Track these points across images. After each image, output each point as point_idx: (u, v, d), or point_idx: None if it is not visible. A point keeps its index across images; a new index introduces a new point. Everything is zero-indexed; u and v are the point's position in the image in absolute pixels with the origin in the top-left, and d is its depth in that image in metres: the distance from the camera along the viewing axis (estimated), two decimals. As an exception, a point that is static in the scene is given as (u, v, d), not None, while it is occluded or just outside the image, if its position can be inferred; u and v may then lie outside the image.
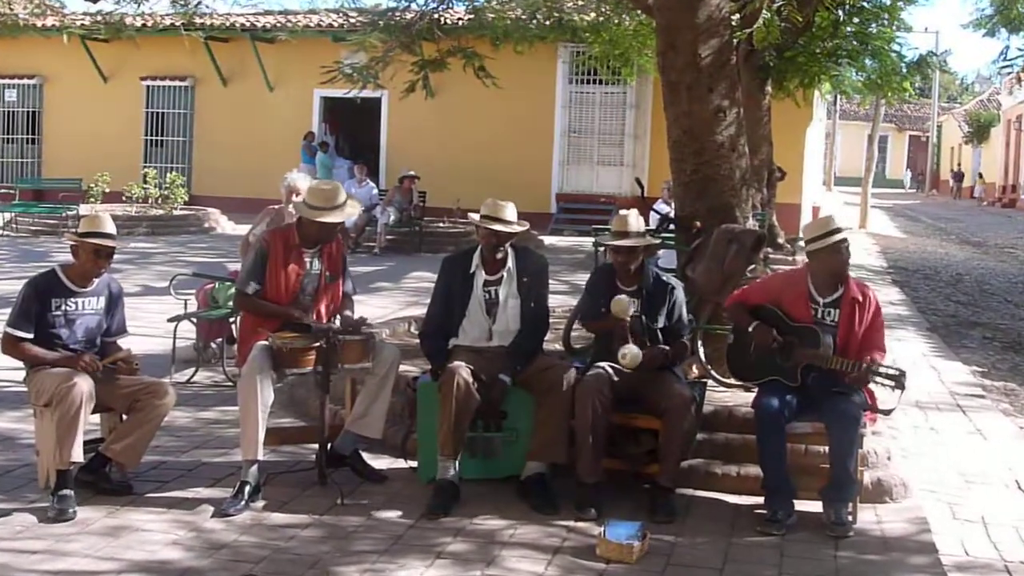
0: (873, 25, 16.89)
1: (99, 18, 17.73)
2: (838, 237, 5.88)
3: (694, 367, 7.33)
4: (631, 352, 5.90)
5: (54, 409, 5.53)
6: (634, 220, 6.28)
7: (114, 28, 17.28)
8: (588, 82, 24.09)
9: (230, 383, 8.25)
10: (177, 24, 20.08)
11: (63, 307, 5.86)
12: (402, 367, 6.94)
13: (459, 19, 18.77)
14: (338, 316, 6.37)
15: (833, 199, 39.12)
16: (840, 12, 16.12)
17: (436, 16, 13.86)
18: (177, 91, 27.02)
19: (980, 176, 58.32)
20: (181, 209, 22.51)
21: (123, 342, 6.18)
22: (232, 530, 5.41)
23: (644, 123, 23.83)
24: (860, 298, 5.88)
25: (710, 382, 7.13)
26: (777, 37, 14.15)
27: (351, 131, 27.30)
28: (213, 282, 9.14)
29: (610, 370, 5.98)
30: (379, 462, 6.48)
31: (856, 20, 16.82)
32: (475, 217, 6.30)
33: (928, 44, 53.13)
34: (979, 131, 58.69)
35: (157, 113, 27.17)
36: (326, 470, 6.08)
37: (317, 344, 5.90)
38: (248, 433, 5.82)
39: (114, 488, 5.88)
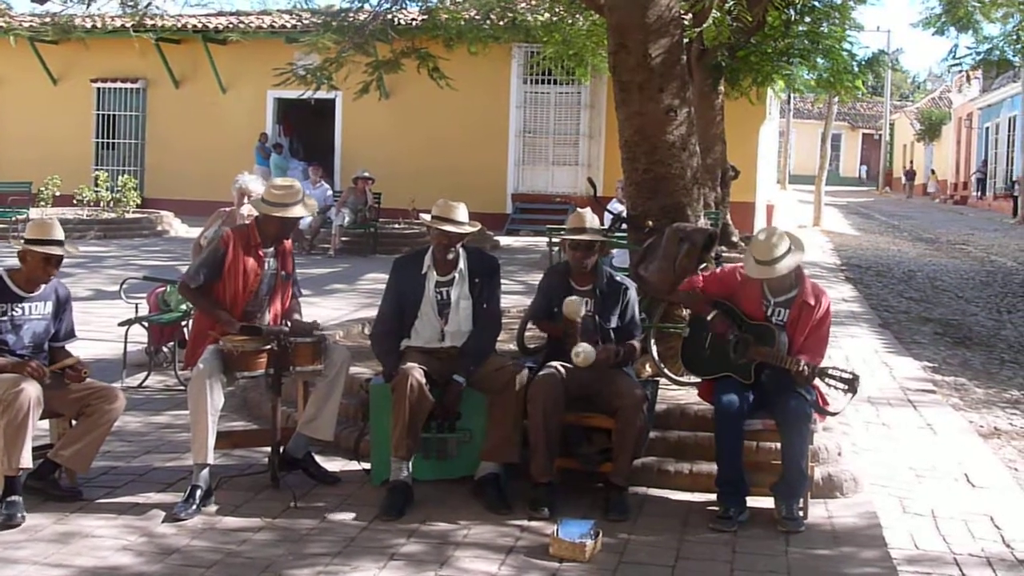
0: (824, 24, 17.05)
1: (47, 19, 17.51)
2: (778, 267, 5.85)
3: (647, 366, 7.36)
4: (584, 350, 5.91)
5: (1, 415, 5.46)
6: (590, 217, 6.31)
7: (62, 29, 17.07)
8: (542, 82, 24.13)
9: (182, 387, 8.18)
10: (127, 25, 19.91)
11: (9, 312, 5.79)
12: (355, 369, 6.94)
13: (413, 20, 18.76)
14: (288, 320, 6.35)
15: (787, 197, 39.42)
16: (791, 11, 16.27)
17: (389, 17, 13.85)
18: (128, 93, 26.80)
19: (932, 172, 59.11)
20: (133, 212, 22.30)
21: (72, 347, 6.13)
22: (184, 535, 5.37)
23: (599, 123, 23.93)
24: (811, 302, 5.92)
25: (663, 380, 7.16)
26: (728, 36, 14.24)
27: (305, 132, 27.18)
28: (164, 285, 9.06)
29: (563, 370, 5.98)
30: (332, 464, 6.46)
31: (807, 19, 16.98)
32: (426, 218, 6.29)
33: (880, 43, 53.63)
34: (931, 129, 59.42)
35: (108, 115, 26.94)
36: (278, 473, 6.05)
37: (268, 347, 5.87)
38: (199, 437, 5.78)
39: (63, 494, 5.81)
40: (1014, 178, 38.37)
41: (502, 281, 6.54)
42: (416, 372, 5.85)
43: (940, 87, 68.07)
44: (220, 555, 5.11)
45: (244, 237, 6.25)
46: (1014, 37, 15.27)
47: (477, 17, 16.73)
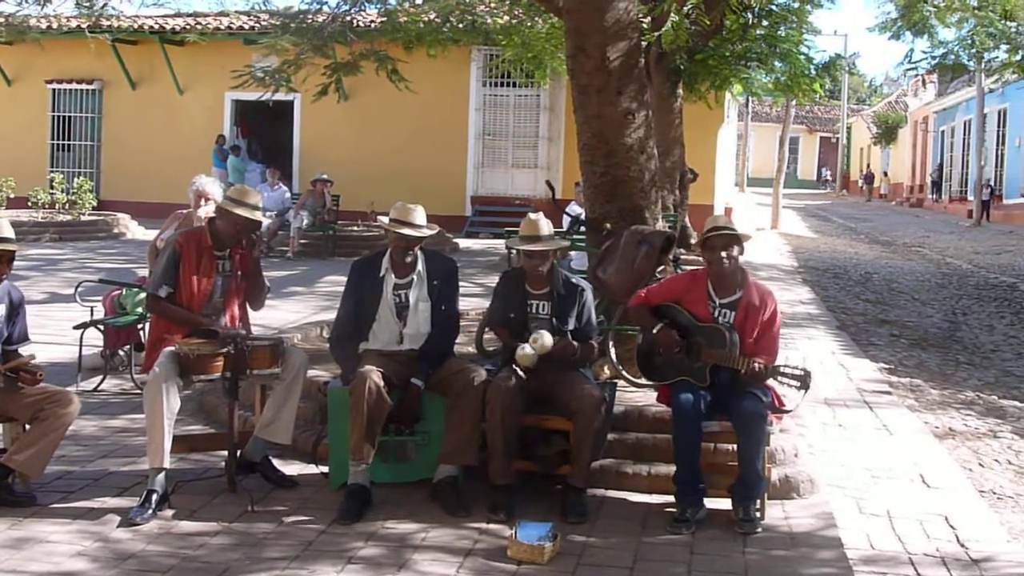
0: (782, 28, 17.15)
1: (1, 20, 17.31)
2: (728, 232, 5.95)
3: (605, 368, 7.38)
4: (542, 338, 5.93)
5: (-47, 420, 5.40)
6: (544, 223, 6.30)
7: (17, 30, 16.90)
8: (502, 85, 24.14)
9: (138, 391, 8.10)
10: (83, 26, 19.72)
11: (-39, 315, 5.72)
12: (314, 372, 6.92)
13: (372, 22, 18.71)
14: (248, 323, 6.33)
15: (746, 200, 39.66)
16: (749, 15, 16.36)
17: (348, 19, 13.80)
18: (84, 94, 26.57)
19: (885, 175, 59.79)
20: (89, 214, 22.06)
21: (26, 350, 6.06)
22: (139, 539, 5.32)
23: (558, 125, 23.99)
24: (756, 303, 5.96)
25: (621, 382, 7.18)
26: (686, 40, 14.29)
27: (263, 134, 27.04)
28: (120, 288, 8.97)
29: (520, 373, 5.99)
30: (290, 468, 6.43)
31: (765, 23, 17.07)
32: (384, 221, 6.28)
33: (837, 47, 54.11)
34: (887, 132, 60.02)
35: (63, 117, 26.70)
36: (236, 477, 6.01)
37: (225, 350, 5.84)
38: (155, 441, 5.73)
39: (17, 499, 5.74)
40: (971, 182, 38.83)
41: (461, 284, 6.54)
42: (374, 375, 5.83)
43: (896, 91, 68.76)
44: (176, 560, 5.07)
45: (197, 240, 6.21)
46: (968, 42, 15.45)
47: (436, 20, 16.70)
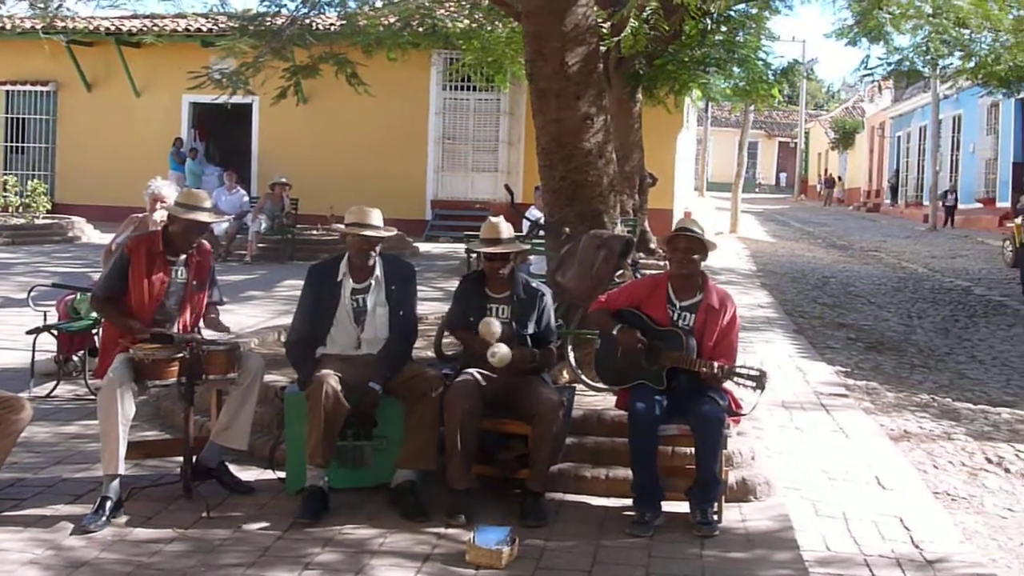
0: (740, 34, 17.25)
1: (-47, 21, 17.11)
2: (691, 234, 6.01)
3: (564, 372, 7.39)
4: (500, 351, 5.93)
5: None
6: (504, 226, 6.31)
7: (-31, 31, 16.69)
8: (462, 89, 24.13)
9: (92, 396, 8.03)
10: (37, 27, 19.52)
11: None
12: (271, 377, 6.88)
13: (331, 25, 18.59)
14: (202, 326, 6.28)
15: (705, 204, 39.84)
16: (708, 21, 16.42)
17: (307, 22, 13.72)
18: (38, 96, 26.26)
19: (839, 179, 60.38)
20: (44, 218, 21.83)
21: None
22: (93, 547, 5.26)
23: (518, 130, 24.00)
24: (716, 306, 6.00)
25: (580, 387, 7.19)
26: (645, 45, 14.33)
27: (221, 137, 26.85)
28: (74, 292, 8.88)
29: (480, 376, 5.99)
30: (247, 473, 6.38)
31: (724, 29, 17.15)
32: (341, 227, 6.25)
33: (795, 53, 54.42)
34: (845, 137, 60.51)
35: (17, 119, 26.36)
36: (191, 483, 5.97)
37: (180, 355, 5.79)
38: (109, 447, 5.67)
39: (-32, 507, 5.67)
40: (926, 187, 39.23)
41: (421, 288, 6.53)
42: (331, 379, 5.80)
43: (853, 97, 69.36)
44: (131, 567, 5.02)
45: (148, 245, 6.16)
46: (923, 49, 15.59)
47: (396, 24, 16.66)
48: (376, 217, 6.16)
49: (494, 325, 6.03)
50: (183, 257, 6.23)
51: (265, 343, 9.03)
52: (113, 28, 24.75)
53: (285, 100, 12.96)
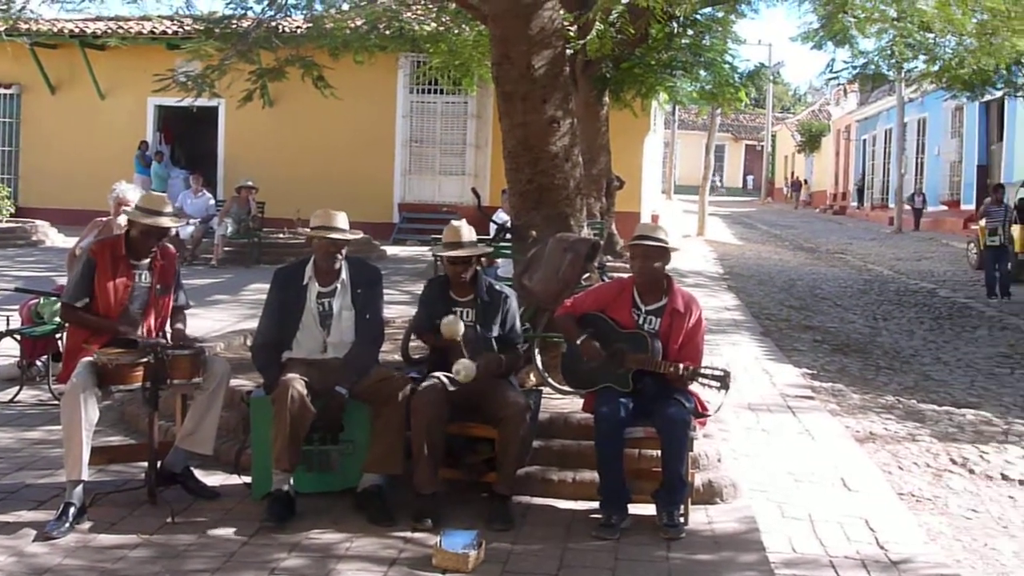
0: (706, 37, 17.32)
1: (-86, 23, 16.89)
2: (649, 244, 6.02)
3: (531, 375, 7.38)
4: (465, 367, 5.92)
5: None
6: (466, 229, 6.31)
7: (-69, 33, 16.51)
8: (429, 92, 24.11)
9: (56, 402, 7.95)
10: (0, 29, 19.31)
11: None
12: (237, 381, 6.84)
13: (297, 28, 18.53)
14: (168, 330, 6.23)
15: (673, 207, 39.98)
16: (674, 24, 16.49)
17: (273, 24, 13.66)
18: (2, 99, 25.99)
19: (805, 182, 60.82)
20: (7, 221, 21.63)
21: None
22: (56, 553, 5.21)
23: (486, 133, 24.00)
24: (681, 309, 6.03)
25: (546, 389, 7.19)
26: (612, 49, 14.38)
27: (187, 140, 26.69)
28: (37, 297, 8.79)
29: (446, 380, 5.98)
30: (212, 479, 6.34)
31: (690, 32, 17.24)
32: (307, 231, 6.22)
33: (761, 56, 54.81)
34: (811, 140, 60.88)
35: (-20, 122, 26.13)
36: (156, 488, 5.92)
37: (144, 359, 5.75)
38: (72, 452, 5.62)
39: (-71, 514, 5.61)
40: (891, 190, 39.52)
41: (389, 291, 6.51)
42: (297, 383, 5.78)
43: (819, 100, 69.83)
44: (94, 573, 4.98)
45: (112, 248, 6.12)
46: (888, 52, 15.68)
47: (363, 27, 16.62)
48: (342, 220, 6.15)
49: (457, 324, 6.02)
50: (146, 261, 6.19)
51: (231, 347, 8.99)
52: (77, 30, 24.55)
53: (251, 103, 12.90)
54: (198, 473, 6.25)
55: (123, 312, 6.06)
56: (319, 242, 6.11)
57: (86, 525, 5.58)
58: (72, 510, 5.55)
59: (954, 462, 7.78)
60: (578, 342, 6.06)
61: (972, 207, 30.32)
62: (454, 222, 6.42)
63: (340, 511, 5.90)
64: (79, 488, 5.63)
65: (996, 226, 17.80)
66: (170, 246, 6.44)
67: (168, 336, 6.23)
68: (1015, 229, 19.19)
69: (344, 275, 6.20)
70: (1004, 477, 7.48)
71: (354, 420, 6.07)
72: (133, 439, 7.15)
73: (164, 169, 24.54)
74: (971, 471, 7.59)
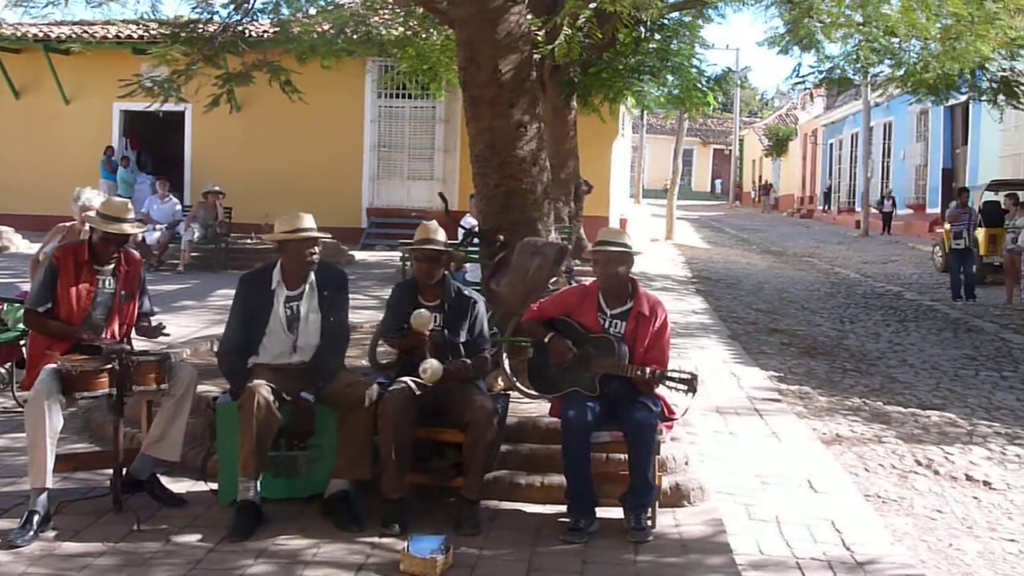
0: (674, 42, 17.40)
1: None
2: (611, 249, 6.05)
3: (499, 379, 7.38)
4: (431, 367, 5.92)
5: None
6: (437, 229, 6.33)
7: None
8: (397, 96, 24.10)
9: (20, 409, 7.87)
10: (-39, 34, 19.18)
11: None
12: (203, 387, 6.79)
13: (264, 32, 18.47)
14: (132, 337, 6.20)
15: (641, 211, 40.09)
16: (642, 29, 16.57)
17: (240, 29, 13.61)
18: (-35, 104, 25.79)
19: (771, 186, 61.33)
20: (-30, 228, 21.46)
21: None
22: (20, 562, 5.16)
23: (454, 137, 24.01)
24: (647, 313, 6.05)
25: (514, 394, 7.19)
26: (579, 53, 14.41)
27: (154, 145, 26.55)
28: (1, 303, 8.72)
29: (413, 385, 5.97)
30: (178, 485, 6.30)
31: (657, 37, 17.31)
32: (281, 235, 6.15)
33: (729, 61, 55.10)
34: (778, 145, 61.24)
35: (-58, 127, 25.87)
36: (121, 495, 5.87)
37: (109, 366, 5.70)
38: (37, 460, 5.58)
39: None
40: (858, 193, 39.78)
41: (357, 296, 6.50)
42: (263, 389, 5.75)
43: (786, 104, 70.25)
44: (59, 582, 4.94)
45: (75, 254, 6.09)
46: (854, 57, 15.78)
47: (330, 31, 16.59)
48: (310, 220, 6.14)
49: (426, 316, 6.02)
50: (110, 267, 6.15)
51: (198, 353, 8.94)
52: (41, 35, 24.38)
53: (218, 108, 12.87)
54: (164, 480, 6.21)
55: (86, 318, 6.02)
56: (294, 242, 6.07)
57: (51, 533, 5.53)
58: (36, 518, 5.50)
59: (919, 463, 7.83)
60: (546, 340, 6.07)
61: (937, 211, 30.60)
62: (425, 222, 6.45)
63: (307, 517, 5.88)
64: (43, 496, 5.58)
65: (961, 229, 17.97)
66: (135, 252, 6.40)
67: (134, 342, 6.19)
68: (980, 232, 19.40)
69: (312, 278, 6.18)
70: (968, 478, 7.54)
71: (321, 425, 6.04)
72: (98, 446, 7.09)
73: (130, 174, 24.40)
74: (936, 472, 7.65)
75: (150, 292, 6.54)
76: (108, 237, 6.07)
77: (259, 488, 5.80)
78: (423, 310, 6.08)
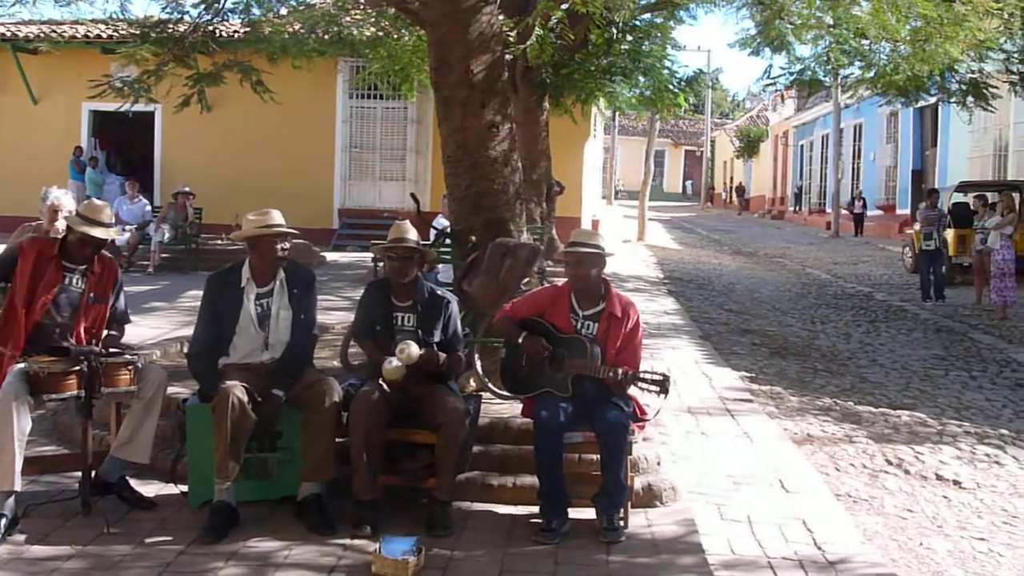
0: (646, 43, 17.42)
1: None
2: (583, 250, 6.06)
3: (471, 380, 7.37)
4: (410, 348, 5.90)
5: None
6: (410, 229, 6.31)
7: None
8: (369, 97, 24.03)
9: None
10: (-71, 33, 18.99)
11: None
12: (173, 389, 6.75)
13: (235, 32, 18.40)
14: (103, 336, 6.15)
15: (614, 212, 40.16)
16: (613, 30, 16.58)
17: (211, 29, 13.55)
18: (-68, 103, 25.51)
19: (743, 188, 61.74)
20: (-63, 229, 21.22)
21: None
22: (-13, 566, 5.13)
23: (426, 138, 23.96)
24: (619, 314, 6.06)
25: (486, 395, 7.18)
26: (551, 54, 14.42)
27: (123, 146, 26.33)
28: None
29: (385, 385, 5.94)
30: (148, 488, 6.26)
31: (629, 38, 17.32)
32: (253, 231, 6.11)
33: (700, 62, 55.30)
34: (749, 146, 61.45)
35: (-93, 127, 25.56)
36: (90, 498, 5.83)
37: (77, 368, 5.65)
38: (4, 463, 5.52)
39: None
40: (828, 194, 39.98)
41: (329, 297, 6.47)
42: (237, 390, 5.71)
43: (758, 106, 70.56)
44: (27, 586, 4.90)
45: (42, 247, 6.05)
46: (824, 58, 15.87)
47: (302, 31, 16.53)
48: (278, 216, 6.13)
49: (394, 364, 5.97)
50: (82, 267, 6.09)
51: (167, 354, 8.89)
52: (9, 34, 24.15)
53: (189, 108, 12.80)
54: (134, 482, 6.16)
55: (47, 315, 5.95)
56: (264, 238, 6.04)
57: (19, 537, 5.48)
58: (4, 521, 5.46)
59: (890, 463, 7.88)
60: (519, 340, 6.06)
61: (907, 211, 30.79)
62: (399, 222, 6.44)
63: (279, 519, 5.85)
64: (11, 499, 5.54)
65: (931, 230, 18.09)
66: (110, 256, 6.34)
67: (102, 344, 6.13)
68: (949, 233, 19.54)
69: (281, 275, 6.16)
70: (938, 477, 7.59)
71: (291, 427, 6.02)
72: (67, 449, 7.03)
73: (99, 175, 24.20)
74: (906, 472, 7.69)
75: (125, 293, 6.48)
76: (85, 239, 6.02)
77: (234, 490, 5.75)
78: (392, 359, 6.00)
